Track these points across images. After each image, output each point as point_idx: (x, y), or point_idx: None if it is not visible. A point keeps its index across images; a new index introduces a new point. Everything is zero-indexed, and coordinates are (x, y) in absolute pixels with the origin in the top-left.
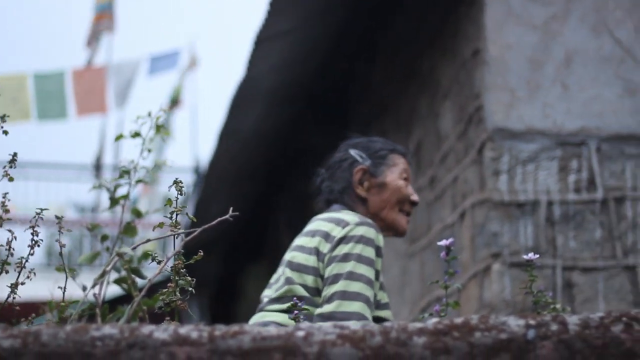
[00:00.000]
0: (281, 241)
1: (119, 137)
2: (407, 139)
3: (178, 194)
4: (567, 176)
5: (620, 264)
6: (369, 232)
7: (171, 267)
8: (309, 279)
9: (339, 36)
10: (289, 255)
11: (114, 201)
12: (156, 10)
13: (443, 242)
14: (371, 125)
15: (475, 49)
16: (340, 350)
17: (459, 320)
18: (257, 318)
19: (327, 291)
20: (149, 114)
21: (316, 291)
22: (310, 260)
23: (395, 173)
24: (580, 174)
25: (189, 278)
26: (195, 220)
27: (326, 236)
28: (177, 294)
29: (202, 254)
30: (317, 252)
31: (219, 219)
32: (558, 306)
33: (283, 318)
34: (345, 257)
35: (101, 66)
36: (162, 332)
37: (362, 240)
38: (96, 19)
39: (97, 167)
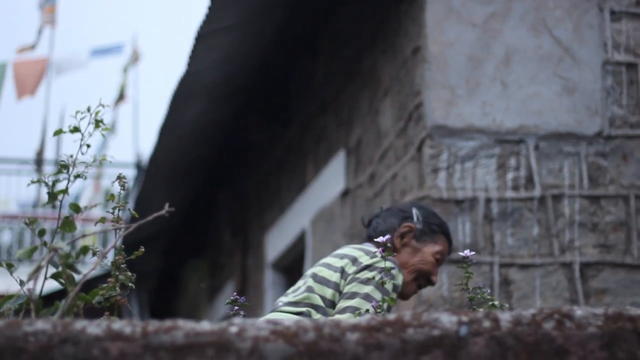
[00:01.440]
0: (222, 237)
1: (57, 132)
2: (347, 136)
3: (121, 189)
4: (505, 174)
5: (557, 261)
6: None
7: (111, 262)
8: (329, 292)
9: (281, 33)
10: (314, 269)
11: (52, 196)
12: (99, 4)
13: (380, 239)
14: (312, 122)
15: (416, 46)
16: (273, 346)
17: (392, 316)
18: (269, 316)
19: (342, 304)
20: (88, 109)
21: (332, 304)
22: (334, 277)
23: (433, 249)
24: (518, 172)
25: (129, 273)
26: (137, 215)
27: (354, 260)
28: (117, 289)
29: (143, 249)
30: (342, 270)
31: (155, 214)
32: (496, 303)
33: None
34: (367, 282)
35: (43, 58)
36: (95, 327)
37: (383, 272)
38: (42, 12)
39: (39, 161)
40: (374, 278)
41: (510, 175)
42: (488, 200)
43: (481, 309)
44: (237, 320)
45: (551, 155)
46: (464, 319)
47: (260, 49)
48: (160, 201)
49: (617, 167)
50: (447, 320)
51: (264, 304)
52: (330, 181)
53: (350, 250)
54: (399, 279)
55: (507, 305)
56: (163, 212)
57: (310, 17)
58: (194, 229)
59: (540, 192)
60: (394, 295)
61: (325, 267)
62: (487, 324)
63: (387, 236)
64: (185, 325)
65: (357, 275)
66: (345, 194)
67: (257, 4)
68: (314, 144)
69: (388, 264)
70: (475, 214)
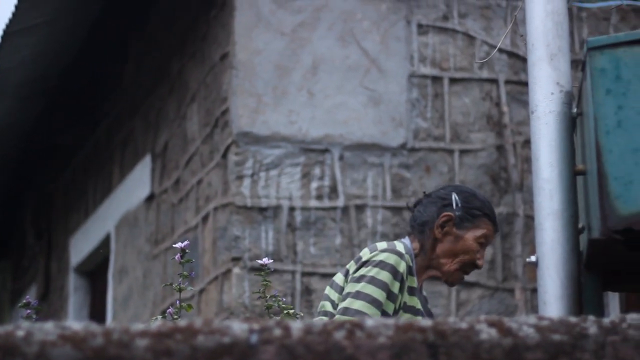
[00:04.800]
0: (26, 239)
1: None
2: (154, 141)
3: None
4: (309, 183)
5: None
6: (389, 257)
7: None
8: (336, 296)
9: (92, 33)
10: (335, 276)
11: None
12: None
13: (178, 245)
14: (119, 125)
15: (224, 53)
16: (60, 351)
17: (183, 323)
18: None
19: (340, 306)
20: None
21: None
22: (341, 280)
23: (475, 234)
24: (322, 181)
25: None
26: None
27: (358, 260)
28: None
29: None
30: (346, 272)
31: None
32: (292, 311)
33: None
34: (360, 279)
35: None
36: None
37: (379, 264)
38: None
39: None
40: (367, 274)
41: (314, 185)
42: (292, 209)
43: (278, 317)
44: (25, 324)
45: (355, 165)
46: (255, 326)
47: (70, 49)
48: None
49: (420, 179)
50: (238, 327)
51: (68, 309)
52: (135, 185)
53: (364, 250)
54: (400, 265)
55: (302, 314)
56: None
57: (122, 18)
58: None
59: (344, 202)
60: (396, 284)
61: (340, 272)
62: (278, 332)
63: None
64: None
65: (354, 275)
66: (150, 198)
67: (67, 3)
68: (121, 148)
69: (383, 255)
70: (278, 222)
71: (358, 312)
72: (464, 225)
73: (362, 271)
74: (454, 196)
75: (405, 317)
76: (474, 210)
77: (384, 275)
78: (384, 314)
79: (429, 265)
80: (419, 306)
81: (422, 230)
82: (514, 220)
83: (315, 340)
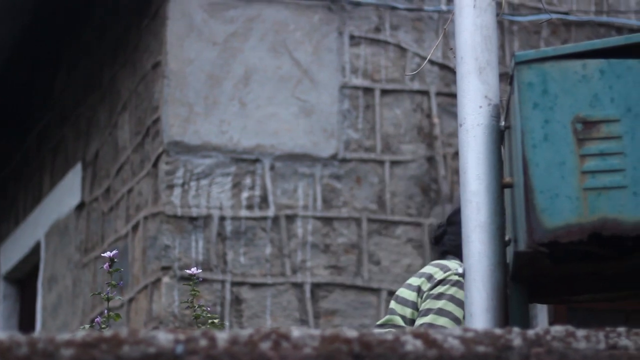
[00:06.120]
0: None
1: None
2: (85, 149)
3: None
4: (240, 192)
5: (288, 281)
6: None
7: None
8: (408, 312)
9: (24, 41)
10: (398, 291)
11: None
12: None
13: (107, 254)
14: (50, 133)
15: (156, 62)
16: None
17: (108, 333)
18: None
19: (418, 322)
20: None
21: (412, 323)
22: (412, 296)
23: None
24: (253, 191)
25: None
26: None
27: (429, 277)
28: None
29: None
30: (418, 289)
31: None
32: (217, 321)
33: None
34: (439, 296)
35: None
36: None
37: (457, 284)
38: None
39: None
40: (446, 292)
41: (245, 194)
42: (222, 219)
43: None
44: None
45: (286, 175)
46: (181, 337)
47: (0, 56)
48: None
49: (350, 189)
50: (164, 338)
51: None
52: (66, 194)
53: (428, 268)
54: None
55: (228, 324)
56: None
57: (54, 26)
58: None
59: (274, 212)
60: None
61: (405, 287)
62: (203, 342)
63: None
64: None
65: (431, 292)
66: (80, 207)
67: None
68: (52, 156)
69: (457, 277)
70: (209, 231)
71: (444, 328)
72: None
73: (440, 289)
74: None
75: None
76: None
77: (461, 295)
78: None
79: None
80: None
81: (459, 252)
82: None
83: (241, 350)
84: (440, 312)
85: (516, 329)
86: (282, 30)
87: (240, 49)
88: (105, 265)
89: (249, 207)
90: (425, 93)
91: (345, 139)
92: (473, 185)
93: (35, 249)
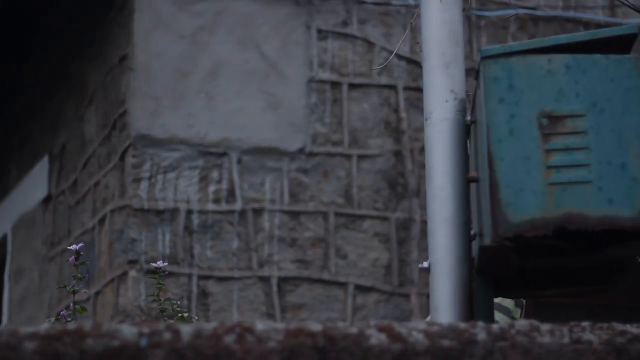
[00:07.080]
0: None
1: None
2: (52, 142)
3: None
4: (207, 186)
5: (255, 275)
6: None
7: None
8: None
9: None
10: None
11: None
12: None
13: (73, 247)
14: (19, 126)
15: (123, 55)
16: None
17: (72, 326)
18: None
19: None
20: None
21: None
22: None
23: None
24: (220, 185)
25: None
26: None
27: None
28: None
29: None
30: None
31: None
32: (186, 315)
33: None
34: None
35: None
36: None
37: None
38: None
39: None
40: None
41: (212, 188)
42: (189, 212)
43: (172, 321)
44: None
45: (254, 169)
46: (145, 330)
47: None
48: None
49: (318, 183)
50: (128, 331)
51: None
52: (32, 187)
53: None
54: None
55: (197, 318)
56: None
57: (21, 17)
58: None
59: (242, 206)
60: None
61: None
62: (167, 335)
63: None
64: None
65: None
66: (47, 200)
67: None
68: (19, 148)
69: None
70: (175, 225)
71: None
72: None
73: None
74: None
75: None
76: None
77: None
78: None
79: None
80: None
81: None
82: (410, 225)
83: (205, 344)
84: None
85: (481, 323)
86: (250, 24)
87: (207, 42)
88: (72, 259)
89: (216, 200)
90: (392, 87)
91: (312, 133)
92: (439, 179)
93: (2, 242)
